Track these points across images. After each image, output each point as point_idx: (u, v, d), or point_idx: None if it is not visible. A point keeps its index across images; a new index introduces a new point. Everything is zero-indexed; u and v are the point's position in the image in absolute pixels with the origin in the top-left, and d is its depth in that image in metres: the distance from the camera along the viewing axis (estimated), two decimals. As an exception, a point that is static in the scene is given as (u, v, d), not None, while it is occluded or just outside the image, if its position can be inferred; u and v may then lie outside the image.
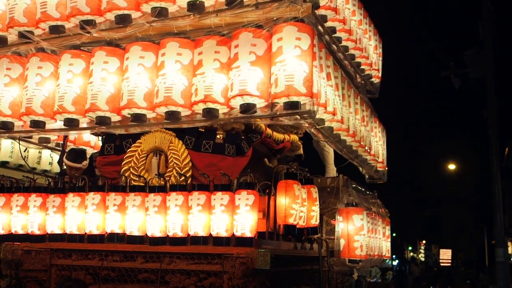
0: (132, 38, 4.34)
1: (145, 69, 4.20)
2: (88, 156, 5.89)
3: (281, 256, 4.41)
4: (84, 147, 6.52)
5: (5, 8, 4.67)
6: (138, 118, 4.24)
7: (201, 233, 4.08)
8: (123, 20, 4.23)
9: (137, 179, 4.62)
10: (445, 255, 33.20)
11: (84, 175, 5.06)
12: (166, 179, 4.46)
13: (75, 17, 4.31)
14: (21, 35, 4.60)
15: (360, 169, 6.19)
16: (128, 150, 4.86)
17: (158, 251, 4.24)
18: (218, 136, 4.74)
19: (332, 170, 6.91)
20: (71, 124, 4.46)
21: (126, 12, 4.19)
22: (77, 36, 4.47)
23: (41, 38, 4.58)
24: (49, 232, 4.61)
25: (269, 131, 5.38)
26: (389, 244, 6.94)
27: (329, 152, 6.90)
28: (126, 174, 4.71)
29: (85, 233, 4.46)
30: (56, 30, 4.47)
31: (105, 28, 4.38)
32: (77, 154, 5.72)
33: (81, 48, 4.53)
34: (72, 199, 4.50)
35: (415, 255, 42.45)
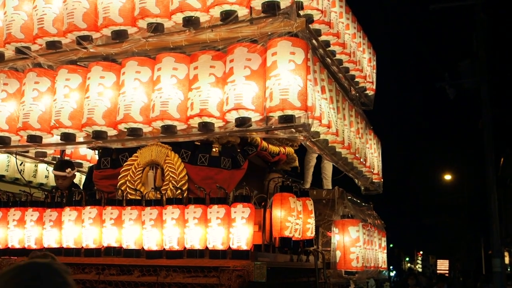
0: (129, 53, 4.37)
1: (141, 83, 4.23)
2: (75, 165, 5.90)
3: (277, 268, 4.42)
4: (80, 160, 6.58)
5: (2, 24, 4.71)
6: (135, 132, 4.26)
7: (198, 246, 4.10)
8: (119, 36, 4.27)
9: (134, 192, 4.64)
10: (443, 265, 33.18)
11: (82, 188, 5.07)
12: (163, 192, 4.48)
13: (72, 32, 4.35)
14: (18, 50, 4.64)
15: (356, 180, 6.23)
16: (124, 164, 4.88)
17: (155, 264, 4.24)
18: (214, 149, 4.77)
19: (329, 183, 6.95)
20: (67, 138, 4.48)
21: (122, 27, 4.23)
22: (73, 52, 4.50)
23: (38, 53, 4.62)
24: (46, 246, 4.61)
25: (264, 144, 5.41)
26: (385, 255, 6.96)
27: (329, 164, 6.93)
28: (123, 188, 4.73)
29: (82, 247, 4.47)
30: (53, 46, 4.51)
31: (102, 43, 4.41)
32: (61, 163, 5.74)
33: (78, 63, 4.56)
34: (69, 213, 4.52)
35: (412, 265, 42.38)
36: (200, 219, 4.10)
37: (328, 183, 7.03)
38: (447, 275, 31.92)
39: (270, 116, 3.90)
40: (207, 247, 4.10)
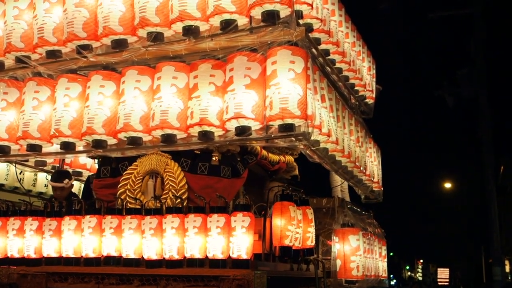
0: (128, 62, 4.38)
1: (141, 92, 4.23)
2: (72, 176, 5.90)
3: (278, 277, 4.40)
4: (79, 170, 6.57)
5: (2, 34, 4.73)
6: (134, 141, 4.26)
7: (197, 255, 4.09)
8: (119, 45, 4.28)
9: (133, 201, 4.63)
10: (443, 274, 33.12)
11: (82, 198, 5.06)
12: (162, 201, 4.47)
13: (72, 42, 4.36)
14: (18, 60, 4.64)
15: (356, 189, 6.23)
16: (124, 173, 4.87)
17: (155, 273, 4.23)
18: (213, 158, 4.77)
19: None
20: (67, 147, 4.48)
21: (122, 37, 4.24)
22: (73, 61, 4.50)
23: (38, 62, 4.61)
24: (45, 255, 4.60)
25: (264, 152, 5.41)
26: (385, 264, 6.94)
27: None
28: (122, 197, 4.73)
29: (81, 256, 4.45)
30: (53, 55, 4.52)
31: (102, 52, 4.41)
32: (59, 174, 5.74)
33: (78, 72, 4.57)
34: (69, 222, 4.50)
35: (412, 274, 42.28)
36: (200, 228, 4.09)
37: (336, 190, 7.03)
38: (447, 283, 31.84)
39: (270, 124, 3.90)
40: (207, 256, 4.09)
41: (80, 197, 5.73)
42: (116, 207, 4.56)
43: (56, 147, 4.62)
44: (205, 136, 4.07)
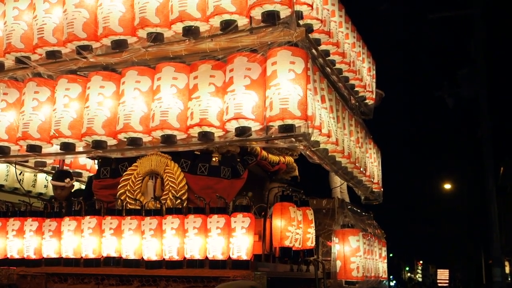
0: (128, 63, 4.38)
1: (141, 93, 4.23)
2: (73, 176, 5.91)
3: (278, 278, 4.40)
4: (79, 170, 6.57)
5: (2, 34, 4.72)
6: (134, 142, 4.26)
7: (197, 256, 4.09)
8: (119, 45, 4.28)
9: (133, 202, 4.64)
10: (443, 275, 33.13)
11: (82, 198, 5.06)
12: (162, 202, 4.47)
13: (72, 42, 4.35)
14: (18, 60, 4.64)
15: (356, 190, 6.22)
16: (124, 174, 4.87)
17: (154, 274, 4.23)
18: (213, 159, 4.76)
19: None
20: (67, 148, 4.48)
21: (122, 37, 4.24)
22: (73, 61, 4.50)
23: (38, 63, 4.61)
24: (45, 256, 4.60)
25: (264, 153, 5.40)
26: (385, 265, 6.94)
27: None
28: (122, 198, 4.72)
29: (81, 257, 4.46)
30: (53, 55, 4.51)
31: (102, 53, 4.41)
32: (60, 173, 5.76)
33: (78, 73, 4.57)
34: (68, 223, 4.51)
35: (412, 275, 42.27)
36: (200, 229, 4.09)
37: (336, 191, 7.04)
38: (447, 285, 31.82)
39: (270, 125, 3.90)
40: (207, 257, 4.09)
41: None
42: (116, 208, 4.56)
43: (56, 148, 4.62)
44: (205, 136, 4.07)
